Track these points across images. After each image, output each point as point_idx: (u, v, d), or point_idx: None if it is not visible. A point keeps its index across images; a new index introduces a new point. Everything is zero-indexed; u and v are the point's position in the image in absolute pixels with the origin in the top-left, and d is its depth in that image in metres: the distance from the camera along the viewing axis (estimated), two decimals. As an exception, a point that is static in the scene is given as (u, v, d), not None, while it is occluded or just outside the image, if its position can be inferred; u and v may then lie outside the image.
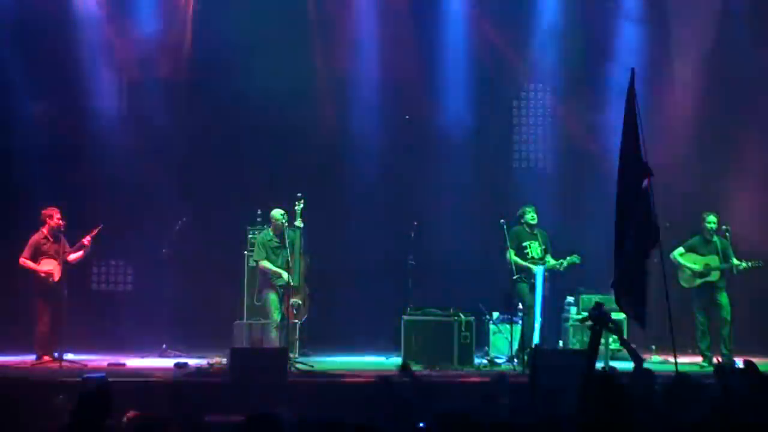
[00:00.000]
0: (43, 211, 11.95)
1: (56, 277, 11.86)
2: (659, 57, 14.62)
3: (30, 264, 11.85)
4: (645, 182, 8.16)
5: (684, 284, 12.37)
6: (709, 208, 12.48)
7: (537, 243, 12.17)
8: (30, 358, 11.79)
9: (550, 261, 12.15)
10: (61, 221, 11.91)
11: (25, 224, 12.80)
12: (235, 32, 14.26)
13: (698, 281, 12.26)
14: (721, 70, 14.29)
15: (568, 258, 12.12)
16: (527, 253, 12.12)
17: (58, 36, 13.93)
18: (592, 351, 6.97)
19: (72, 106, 14.26)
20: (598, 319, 6.96)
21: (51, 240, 11.94)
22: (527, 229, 12.22)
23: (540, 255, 12.14)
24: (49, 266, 11.86)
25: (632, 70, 8.39)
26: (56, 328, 11.78)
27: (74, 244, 12.04)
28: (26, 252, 11.88)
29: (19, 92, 13.98)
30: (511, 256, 11.98)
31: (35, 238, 11.93)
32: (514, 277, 11.88)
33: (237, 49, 14.25)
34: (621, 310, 8.40)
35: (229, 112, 14.38)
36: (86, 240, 12.01)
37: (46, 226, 11.95)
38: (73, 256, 12.07)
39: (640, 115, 8.24)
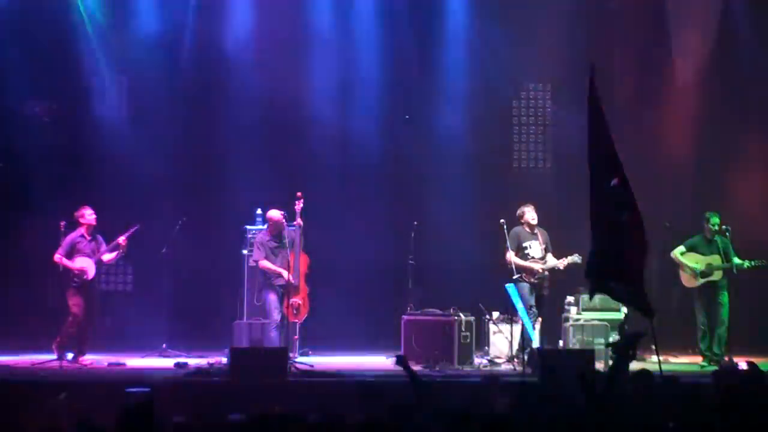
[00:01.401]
0: (75, 213, 11.93)
1: (90, 275, 11.85)
2: (659, 57, 14.62)
3: (65, 261, 11.78)
4: (614, 181, 7.95)
5: (686, 284, 12.36)
6: (709, 208, 12.47)
7: (537, 243, 12.14)
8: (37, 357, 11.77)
9: (551, 260, 12.11)
10: (93, 216, 11.91)
11: (22, 226, 12.83)
12: (235, 32, 14.28)
13: (700, 280, 12.24)
14: (722, 69, 14.29)
15: (569, 257, 12.08)
16: (528, 254, 12.09)
17: (62, 36, 13.94)
18: (613, 375, 7.02)
19: (71, 107, 14.28)
20: (624, 349, 7.03)
21: (87, 239, 11.93)
22: (527, 228, 12.19)
23: (541, 255, 12.11)
24: (84, 264, 11.85)
25: (592, 64, 8.02)
26: (86, 327, 11.81)
27: (108, 244, 12.04)
28: (61, 249, 11.80)
29: (19, 93, 13.99)
30: (511, 256, 11.94)
31: (72, 236, 11.88)
32: (514, 277, 11.86)
33: (238, 49, 14.27)
34: (620, 300, 8.22)
35: (230, 112, 14.39)
36: (122, 240, 12.00)
37: (82, 225, 11.92)
38: (108, 257, 12.07)
39: (602, 111, 7.81)
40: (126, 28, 14.29)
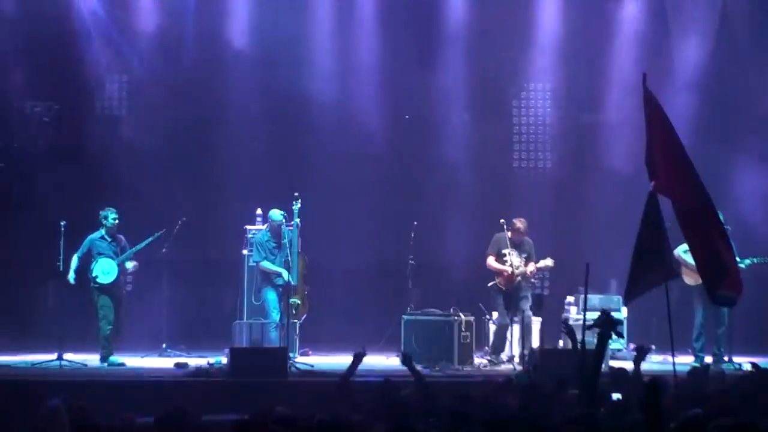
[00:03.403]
0: (101, 212, 11.88)
1: (111, 278, 11.78)
2: (659, 56, 14.62)
3: (73, 262, 11.68)
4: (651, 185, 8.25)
5: (688, 281, 12.35)
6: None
7: (517, 252, 12.06)
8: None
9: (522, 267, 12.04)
10: (116, 221, 11.85)
11: (23, 226, 12.81)
12: (235, 31, 14.28)
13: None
14: (722, 68, 14.29)
15: (541, 261, 12.02)
16: (506, 261, 12.04)
17: (62, 36, 13.94)
18: (598, 355, 7.11)
19: (71, 107, 14.27)
20: (605, 325, 7.09)
21: (109, 240, 11.89)
22: (511, 236, 12.09)
23: (518, 264, 12.03)
24: (105, 265, 11.74)
25: (644, 74, 8.43)
26: (117, 328, 11.80)
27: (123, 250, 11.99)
28: (81, 250, 11.75)
29: (19, 93, 14.00)
30: (491, 261, 11.96)
31: (91, 237, 11.80)
32: (490, 284, 11.92)
33: (237, 48, 14.27)
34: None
35: (229, 112, 14.39)
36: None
37: (103, 226, 11.87)
38: (130, 265, 11.98)
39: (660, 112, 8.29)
40: (127, 25, 14.30)
